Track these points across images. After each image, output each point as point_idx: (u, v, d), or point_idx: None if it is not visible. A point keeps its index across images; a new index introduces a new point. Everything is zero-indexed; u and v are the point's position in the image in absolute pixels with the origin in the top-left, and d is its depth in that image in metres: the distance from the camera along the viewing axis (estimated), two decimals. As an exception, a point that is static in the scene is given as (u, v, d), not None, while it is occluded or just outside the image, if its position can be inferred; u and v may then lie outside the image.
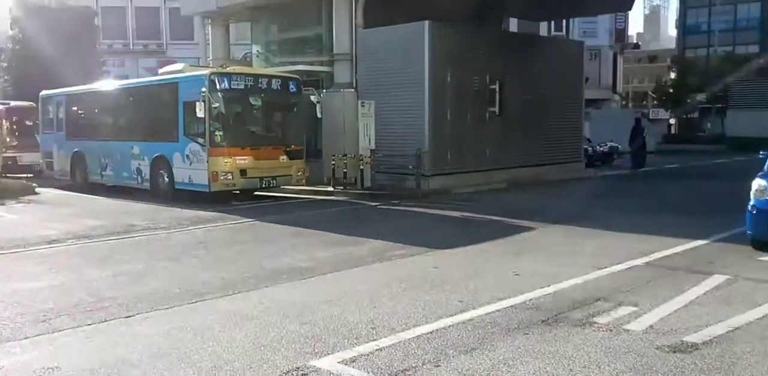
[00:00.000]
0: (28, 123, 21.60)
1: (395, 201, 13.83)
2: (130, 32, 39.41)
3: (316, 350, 4.59)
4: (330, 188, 15.51)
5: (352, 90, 16.71)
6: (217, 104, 13.07)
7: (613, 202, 14.20)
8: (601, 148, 24.68)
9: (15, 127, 19.73)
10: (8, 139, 18.23)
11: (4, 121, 18.79)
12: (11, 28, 31.61)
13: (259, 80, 14.15)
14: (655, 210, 12.26)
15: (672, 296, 5.90)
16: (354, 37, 16.94)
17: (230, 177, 13.37)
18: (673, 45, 59.83)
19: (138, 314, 5.56)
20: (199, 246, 8.87)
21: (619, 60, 46.22)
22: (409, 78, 15.68)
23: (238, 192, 14.55)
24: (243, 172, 13.53)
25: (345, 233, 9.67)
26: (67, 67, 25.04)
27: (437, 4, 17.52)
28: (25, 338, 4.94)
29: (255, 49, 20.52)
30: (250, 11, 20.29)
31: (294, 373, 4.19)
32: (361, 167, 15.26)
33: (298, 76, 15.20)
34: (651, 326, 5.07)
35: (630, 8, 23.26)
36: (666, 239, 8.77)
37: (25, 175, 20.47)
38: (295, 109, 14.90)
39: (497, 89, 16.78)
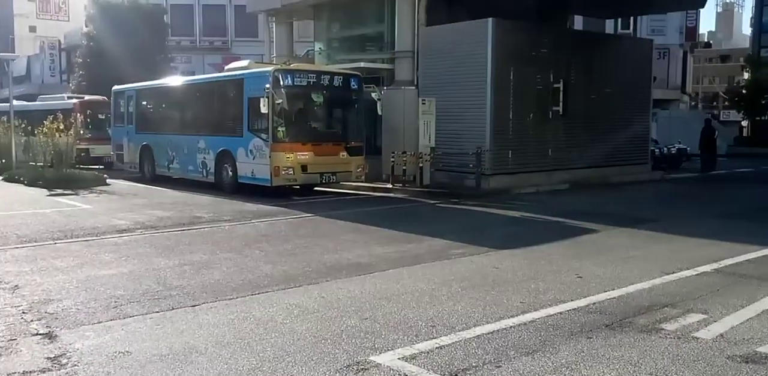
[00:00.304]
0: (100, 117, 22.44)
1: (454, 200, 13.76)
2: (197, 29, 40.38)
3: (376, 346, 4.62)
4: (389, 185, 15.56)
5: (413, 87, 16.71)
6: (280, 100, 13.29)
7: (680, 205, 13.80)
8: (669, 150, 23.96)
9: (88, 120, 20.52)
10: (82, 132, 18.94)
11: (78, 114, 19.53)
12: (86, 26, 32.88)
13: (322, 77, 14.31)
14: (725, 215, 11.85)
15: (743, 305, 5.69)
16: (416, 34, 16.92)
17: (291, 172, 13.58)
18: (746, 44, 57.48)
19: (203, 303, 5.70)
20: (261, 239, 9.04)
21: (689, 59, 44.73)
22: (471, 76, 15.57)
23: (298, 187, 14.75)
24: (304, 167, 13.72)
25: (404, 231, 9.68)
26: (138, 62, 25.92)
27: (501, 2, 17.35)
28: (98, 323, 5.14)
29: (317, 46, 20.75)
30: (313, 9, 20.55)
31: (354, 367, 4.22)
32: (421, 165, 15.24)
33: (359, 73, 15.30)
34: (721, 335, 4.90)
35: (703, 5, 22.52)
36: (736, 245, 8.46)
37: (96, 166, 21.27)
38: (355, 105, 15.03)
39: (561, 88, 16.51)
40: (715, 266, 7.29)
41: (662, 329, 5.04)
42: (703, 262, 7.44)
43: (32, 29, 59.62)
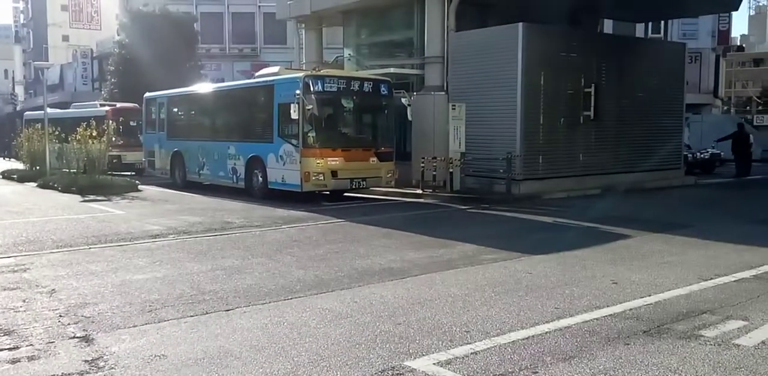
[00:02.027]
0: (132, 123, 22.80)
1: (485, 205, 13.68)
2: (226, 37, 40.86)
3: (410, 351, 4.58)
4: (419, 191, 15.52)
5: (443, 93, 16.67)
6: (310, 106, 13.36)
7: (715, 211, 13.55)
8: (702, 155, 23.58)
9: (120, 127, 20.86)
10: (114, 139, 19.24)
11: (110, 121, 19.86)
12: (118, 34, 33.48)
13: (351, 83, 14.36)
14: (762, 221, 11.59)
15: (786, 312, 5.55)
16: (446, 39, 16.90)
17: (322, 178, 13.63)
18: (781, 47, 56.45)
19: (237, 307, 5.72)
20: (292, 244, 9.06)
21: (722, 63, 44.01)
22: (502, 81, 15.49)
23: (328, 192, 14.79)
24: (334, 173, 13.76)
25: (435, 236, 9.64)
26: (168, 70, 26.31)
27: (530, 6, 17.26)
28: (134, 326, 5.18)
29: (346, 52, 20.83)
30: (342, 15, 20.64)
31: (389, 372, 4.19)
32: (451, 170, 15.19)
33: (389, 79, 15.33)
34: (763, 342, 4.78)
35: (737, 8, 22.09)
36: (776, 251, 8.29)
37: (128, 172, 21.59)
38: (385, 111, 15.05)
39: (592, 93, 16.32)
40: (753, 272, 7.14)
41: (701, 335, 4.94)
42: (741, 268, 7.29)
43: (65, 38, 60.98)
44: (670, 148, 19.33)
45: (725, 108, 51.74)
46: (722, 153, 23.91)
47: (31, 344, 4.75)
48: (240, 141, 15.72)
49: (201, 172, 17.20)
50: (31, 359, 4.46)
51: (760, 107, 52.57)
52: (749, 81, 67.60)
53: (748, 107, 61.87)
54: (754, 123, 45.60)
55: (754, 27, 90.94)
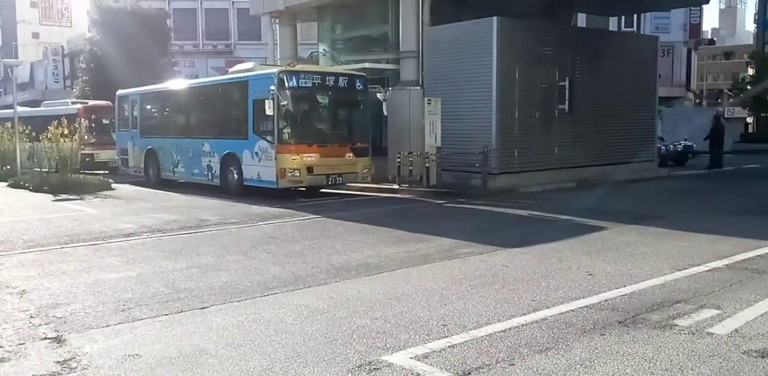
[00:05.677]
0: (104, 121, 22.47)
1: (461, 199, 13.71)
2: (200, 33, 40.43)
3: (387, 345, 4.57)
4: (395, 186, 15.51)
5: (418, 87, 16.67)
6: (285, 102, 13.27)
7: (688, 202, 13.73)
8: (676, 148, 23.88)
9: (93, 125, 20.52)
10: (86, 137, 18.94)
11: (82, 119, 19.54)
12: (89, 31, 32.97)
13: (327, 78, 14.28)
14: (734, 211, 11.76)
15: (757, 300, 5.64)
16: (421, 34, 16.88)
17: (298, 174, 13.55)
18: (750, 41, 57.21)
19: (212, 305, 5.66)
20: (268, 241, 9.00)
21: (693, 56, 44.60)
22: (477, 75, 15.51)
23: (304, 189, 14.73)
24: (310, 169, 13.69)
25: (412, 231, 9.64)
26: (141, 67, 25.97)
27: (505, 0, 17.28)
28: (107, 326, 5.11)
29: (321, 47, 20.73)
30: (316, 10, 20.54)
31: (367, 367, 4.17)
32: (427, 165, 15.20)
33: (364, 74, 15.27)
34: (736, 330, 4.84)
35: (707, 2, 22.44)
36: (747, 241, 8.41)
37: (101, 171, 21.28)
38: (361, 106, 15.01)
39: (567, 86, 16.43)
40: (726, 261, 7.24)
41: (676, 325, 4.99)
42: (713, 258, 7.38)
43: (35, 36, 59.98)
44: (644, 140, 19.53)
45: (697, 101, 52.41)
46: (695, 145, 24.23)
47: (1, 346, 4.66)
48: (214, 138, 15.57)
49: (175, 169, 17.01)
50: (0, 361, 4.37)
51: (731, 100, 53.30)
52: (720, 74, 68.59)
53: (719, 100, 62.77)
54: (725, 115, 46.22)
55: (725, 21, 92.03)
